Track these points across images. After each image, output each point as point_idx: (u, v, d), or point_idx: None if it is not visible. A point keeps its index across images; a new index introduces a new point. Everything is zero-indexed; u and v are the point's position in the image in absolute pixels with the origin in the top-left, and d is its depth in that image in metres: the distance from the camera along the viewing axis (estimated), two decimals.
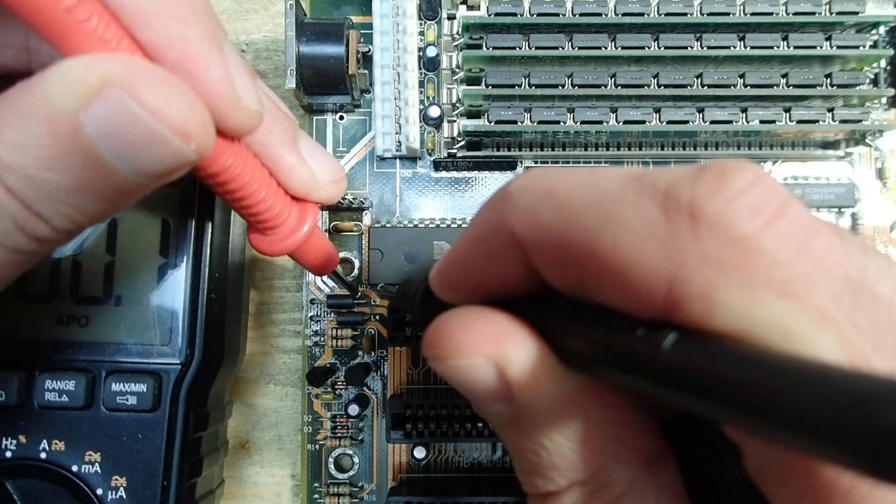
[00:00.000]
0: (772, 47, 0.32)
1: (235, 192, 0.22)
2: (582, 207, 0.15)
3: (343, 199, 0.34)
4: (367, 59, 0.34)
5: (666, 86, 0.32)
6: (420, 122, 0.35)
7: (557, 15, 0.32)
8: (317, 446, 0.35)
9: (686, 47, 0.32)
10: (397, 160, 0.36)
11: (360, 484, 0.35)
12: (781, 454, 0.14)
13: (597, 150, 0.35)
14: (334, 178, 0.26)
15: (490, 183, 0.36)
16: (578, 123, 0.32)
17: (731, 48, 0.32)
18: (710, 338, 0.13)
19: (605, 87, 0.32)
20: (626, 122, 0.32)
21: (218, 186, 0.21)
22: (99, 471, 0.28)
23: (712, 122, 0.32)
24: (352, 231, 0.35)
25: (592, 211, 0.15)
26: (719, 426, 0.16)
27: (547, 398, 0.16)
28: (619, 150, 0.35)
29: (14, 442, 0.28)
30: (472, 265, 0.18)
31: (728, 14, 0.32)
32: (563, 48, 0.32)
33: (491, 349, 0.17)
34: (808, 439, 0.10)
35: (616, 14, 0.32)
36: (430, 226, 0.35)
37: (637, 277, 0.14)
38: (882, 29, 0.34)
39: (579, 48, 0.32)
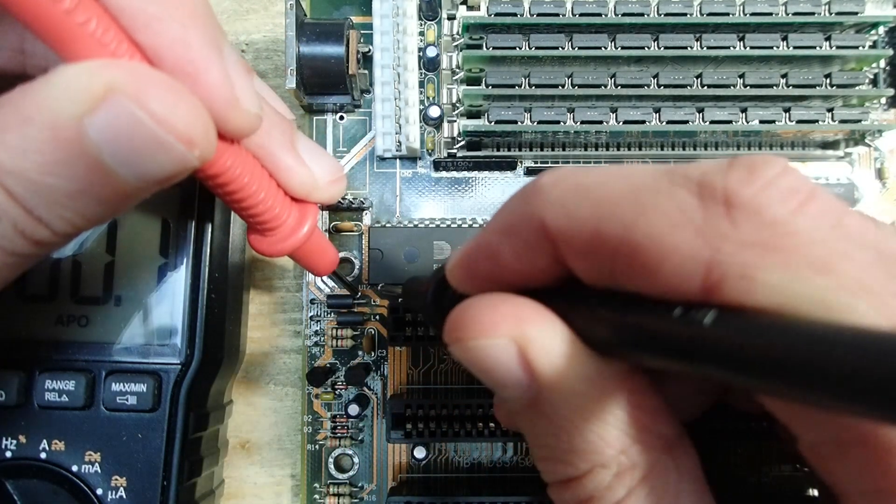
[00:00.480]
0: (772, 47, 0.32)
1: (235, 194, 0.22)
2: (616, 199, 0.16)
3: (343, 199, 0.34)
4: (367, 59, 0.34)
5: (666, 86, 0.32)
6: (420, 122, 0.35)
7: (557, 15, 0.32)
8: (317, 446, 0.35)
9: (686, 47, 0.32)
10: (397, 160, 0.36)
11: (360, 484, 0.35)
12: (836, 426, 0.15)
13: (597, 150, 0.35)
14: (333, 178, 0.26)
15: (490, 183, 0.36)
16: (578, 123, 0.32)
17: (731, 48, 0.32)
18: (751, 312, 0.14)
19: (605, 87, 0.32)
20: (626, 122, 0.32)
21: (217, 188, 0.22)
22: (99, 471, 0.28)
23: (712, 122, 0.32)
24: (352, 231, 0.35)
25: (627, 202, 0.16)
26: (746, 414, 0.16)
27: (568, 380, 0.17)
28: (619, 150, 0.35)
29: (14, 442, 0.28)
30: (496, 257, 0.19)
31: (728, 14, 0.32)
32: (563, 48, 0.32)
33: (512, 328, 0.17)
34: (867, 402, 0.11)
35: (616, 14, 0.32)
36: (430, 226, 0.35)
37: (675, 262, 0.15)
38: (881, 29, 0.34)
39: (579, 48, 0.32)
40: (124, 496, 0.28)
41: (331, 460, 0.35)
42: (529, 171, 0.36)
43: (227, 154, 0.20)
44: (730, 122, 0.32)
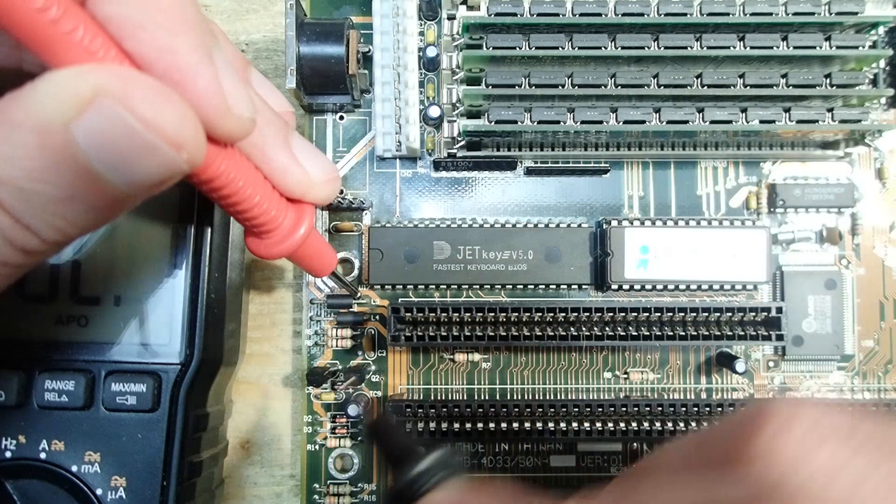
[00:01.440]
0: (772, 47, 0.32)
1: (229, 198, 0.22)
2: None
3: (343, 199, 0.34)
4: (367, 59, 0.34)
5: (666, 86, 0.32)
6: (420, 122, 0.35)
7: (557, 15, 0.32)
8: (317, 446, 0.35)
9: (686, 47, 0.32)
10: (397, 160, 0.36)
11: (359, 484, 0.35)
12: None
13: (597, 150, 0.35)
14: (328, 178, 0.26)
15: (490, 183, 0.36)
16: (578, 123, 0.32)
17: (731, 48, 0.32)
18: None
19: (605, 87, 0.32)
20: (626, 122, 0.32)
21: (212, 192, 0.21)
22: (98, 471, 0.28)
23: (712, 122, 0.32)
24: (352, 231, 0.35)
25: None
26: None
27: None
28: (619, 150, 0.35)
29: (14, 442, 0.28)
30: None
31: (728, 14, 0.32)
32: (563, 48, 0.32)
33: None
34: None
35: (616, 14, 0.32)
36: (430, 226, 0.34)
37: None
38: (881, 29, 0.34)
39: (579, 48, 0.32)
40: (124, 496, 0.28)
41: (331, 460, 0.35)
42: (529, 171, 0.36)
43: (219, 158, 0.20)
44: (730, 122, 0.32)
